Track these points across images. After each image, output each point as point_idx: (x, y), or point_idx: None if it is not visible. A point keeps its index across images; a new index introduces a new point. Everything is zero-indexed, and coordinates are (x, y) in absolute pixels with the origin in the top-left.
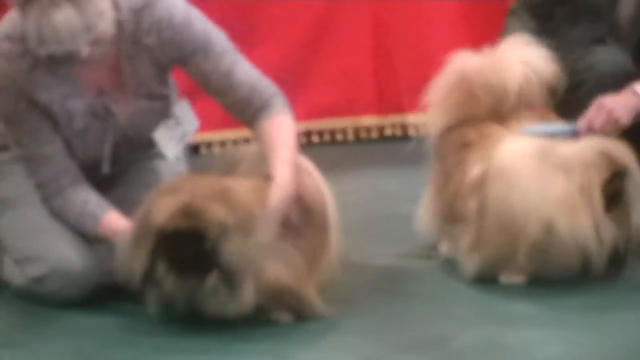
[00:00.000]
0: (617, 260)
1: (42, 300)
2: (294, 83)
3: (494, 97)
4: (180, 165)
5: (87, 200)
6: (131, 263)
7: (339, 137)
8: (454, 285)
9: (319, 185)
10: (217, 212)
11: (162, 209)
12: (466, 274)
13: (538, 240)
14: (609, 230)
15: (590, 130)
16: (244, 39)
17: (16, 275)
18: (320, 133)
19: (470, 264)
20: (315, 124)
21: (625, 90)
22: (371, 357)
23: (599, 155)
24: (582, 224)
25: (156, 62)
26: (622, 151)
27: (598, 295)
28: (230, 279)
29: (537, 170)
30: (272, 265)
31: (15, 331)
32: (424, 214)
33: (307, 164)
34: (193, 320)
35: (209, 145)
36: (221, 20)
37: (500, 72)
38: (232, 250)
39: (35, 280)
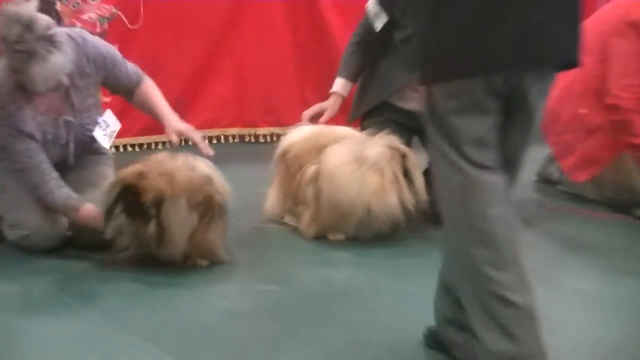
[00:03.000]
0: (410, 218)
1: (27, 250)
2: (185, 106)
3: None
4: (109, 160)
5: (68, 197)
6: (102, 203)
7: (214, 142)
8: (297, 241)
9: (224, 184)
10: (159, 183)
11: (128, 170)
12: (306, 236)
13: (362, 219)
14: (408, 200)
15: None
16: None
17: (10, 234)
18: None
19: (310, 230)
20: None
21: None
22: (244, 286)
23: (391, 150)
24: (390, 203)
25: (93, 82)
26: (399, 141)
27: (398, 248)
28: (162, 232)
29: (356, 172)
30: (208, 231)
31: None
32: (271, 198)
33: (209, 164)
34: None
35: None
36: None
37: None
38: (165, 212)
39: (23, 238)
